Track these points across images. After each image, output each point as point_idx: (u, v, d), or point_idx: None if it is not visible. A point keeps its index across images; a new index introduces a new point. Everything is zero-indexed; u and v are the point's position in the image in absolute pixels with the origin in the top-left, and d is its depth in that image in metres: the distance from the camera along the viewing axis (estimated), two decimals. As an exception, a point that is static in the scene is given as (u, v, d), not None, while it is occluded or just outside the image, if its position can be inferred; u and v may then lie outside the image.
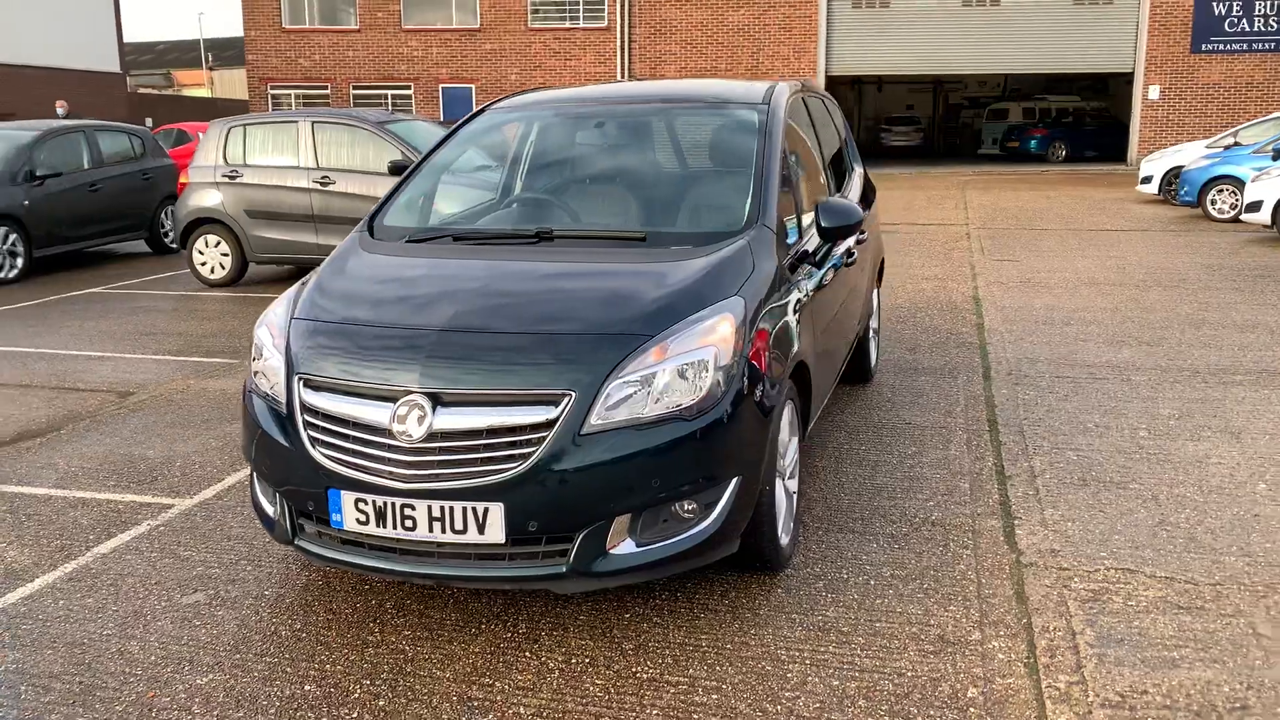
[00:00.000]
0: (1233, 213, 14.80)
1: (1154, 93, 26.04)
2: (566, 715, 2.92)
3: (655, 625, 3.42)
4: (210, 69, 71.75)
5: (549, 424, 3.10)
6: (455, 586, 3.62)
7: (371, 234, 4.23)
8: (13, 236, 11.08)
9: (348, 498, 3.21)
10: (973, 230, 14.30)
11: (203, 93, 68.03)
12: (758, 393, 3.40)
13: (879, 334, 6.72)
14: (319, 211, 10.06)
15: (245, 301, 9.80)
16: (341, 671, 3.17)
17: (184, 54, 75.10)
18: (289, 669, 3.19)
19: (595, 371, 3.16)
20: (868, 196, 6.07)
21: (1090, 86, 34.02)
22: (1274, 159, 13.86)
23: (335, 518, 3.25)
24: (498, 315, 3.38)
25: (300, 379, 3.37)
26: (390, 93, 28.28)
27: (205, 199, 10.49)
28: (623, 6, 26.91)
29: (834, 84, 32.54)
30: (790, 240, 4.15)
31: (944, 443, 5.20)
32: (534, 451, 3.08)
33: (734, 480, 3.32)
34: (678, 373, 3.22)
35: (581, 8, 27.34)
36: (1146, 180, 17.86)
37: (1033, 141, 29.88)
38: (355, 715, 2.94)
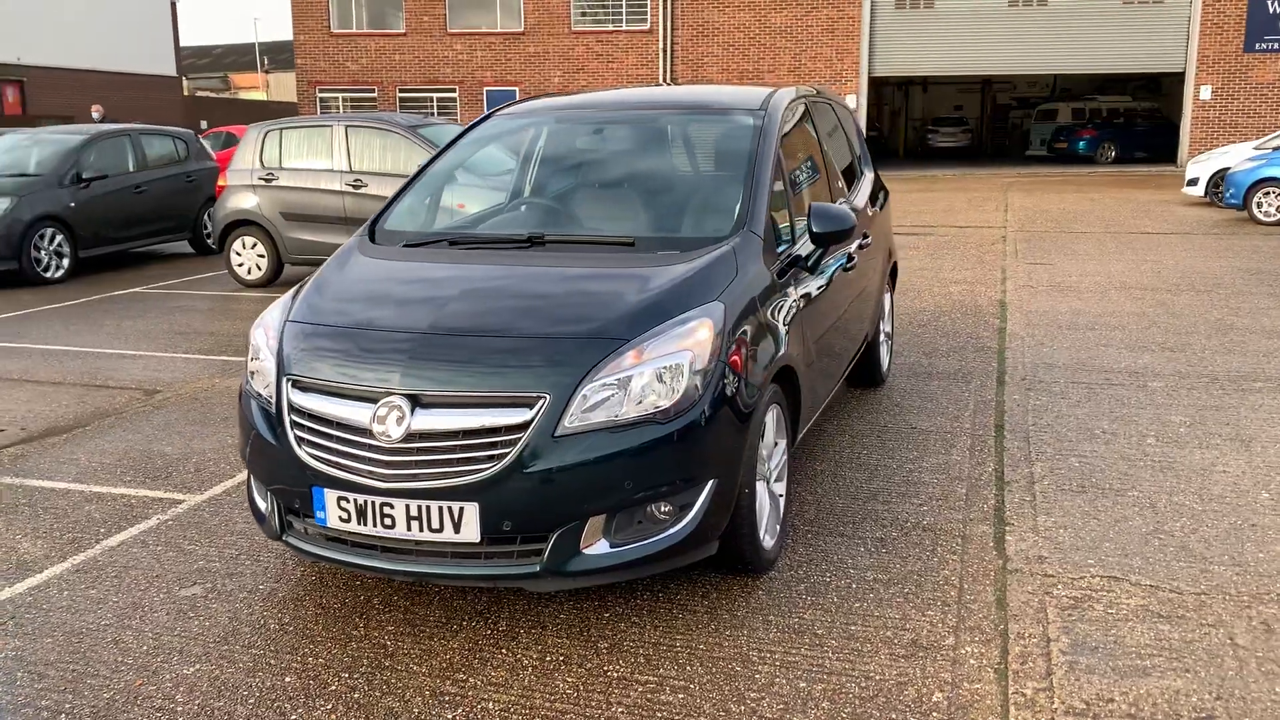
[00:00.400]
0: (1279, 215, 14.50)
1: (1205, 93, 25.56)
2: (534, 711, 2.99)
3: (633, 625, 3.47)
4: (266, 72, 73.04)
5: (523, 426, 3.17)
6: (435, 584, 3.70)
7: (374, 238, 4.34)
8: (59, 237, 11.41)
9: (330, 496, 3.30)
10: (1010, 233, 14.16)
11: (259, 96, 69.23)
12: (736, 396, 3.44)
13: (892, 338, 6.70)
14: (352, 214, 10.24)
15: (278, 302, 10.00)
16: (322, 664, 3.26)
17: (241, 57, 76.51)
18: (272, 661, 3.29)
19: (570, 375, 3.22)
20: (876, 201, 6.06)
21: (1144, 86, 33.45)
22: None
23: (319, 515, 3.35)
24: (479, 319, 3.46)
25: (289, 380, 3.48)
26: (435, 95, 28.61)
27: (242, 201, 10.72)
28: (665, 8, 26.98)
29: (878, 85, 32.37)
30: (783, 246, 4.19)
31: (947, 448, 5.19)
32: (508, 453, 3.15)
33: (710, 483, 3.36)
34: (654, 376, 3.28)
35: (624, 10, 27.46)
36: (1193, 182, 17.54)
37: (1081, 143, 29.46)
38: (330, 707, 3.03)
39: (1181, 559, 3.87)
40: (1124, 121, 30.19)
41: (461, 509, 3.17)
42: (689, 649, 3.31)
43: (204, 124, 39.68)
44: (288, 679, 3.18)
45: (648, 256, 3.81)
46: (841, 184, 5.43)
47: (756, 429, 3.57)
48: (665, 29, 27.09)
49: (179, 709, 3.03)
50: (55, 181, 11.48)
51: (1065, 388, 6.23)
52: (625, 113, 4.83)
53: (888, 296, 6.45)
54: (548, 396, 3.19)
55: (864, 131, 27.02)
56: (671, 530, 3.32)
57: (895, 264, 6.58)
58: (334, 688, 3.13)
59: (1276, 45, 25.04)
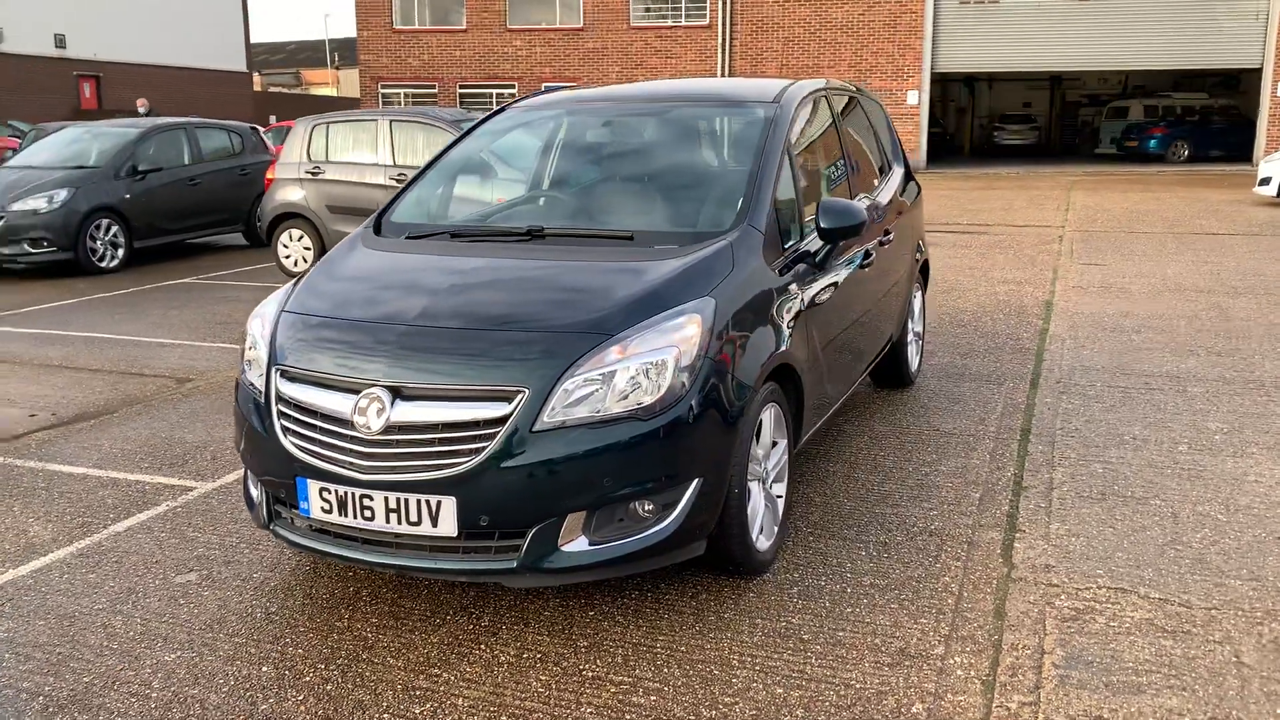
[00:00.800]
0: (1353, 217, 13.93)
1: (1283, 89, 24.68)
2: (501, 709, 2.95)
3: (616, 623, 3.42)
4: (336, 68, 74.26)
5: (501, 420, 3.13)
6: (417, 577, 3.68)
7: (380, 230, 4.33)
8: (114, 228, 11.68)
9: (313, 486, 3.30)
10: (1067, 232, 13.81)
11: (328, 91, 70.43)
12: (725, 394, 3.36)
13: (923, 338, 6.55)
14: (394, 207, 10.31)
15: (321, 294, 10.10)
16: (301, 655, 3.26)
17: (312, 54, 77.91)
18: (253, 650, 3.29)
19: (550, 369, 3.18)
20: (904, 198, 5.91)
21: (1221, 83, 32.41)
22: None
23: (303, 505, 3.34)
24: (466, 311, 3.43)
25: (278, 370, 3.48)
26: (495, 91, 28.79)
27: (289, 194, 10.87)
28: (724, 4, 26.81)
29: (943, 82, 31.85)
30: (790, 241, 4.10)
31: (967, 451, 5.05)
32: (485, 447, 3.12)
33: (695, 482, 3.30)
34: (639, 371, 3.22)
35: (684, 6, 27.36)
36: (1265, 182, 16.94)
37: (1152, 141, 28.62)
38: (301, 698, 3.03)
39: (1196, 571, 3.71)
40: (1198, 119, 29.28)
41: (439, 502, 3.14)
42: (669, 650, 3.25)
43: (272, 118, 40.49)
44: (264, 668, 3.18)
45: (644, 251, 3.75)
46: (866, 180, 5.31)
47: (749, 428, 3.49)
48: (724, 24, 26.93)
49: (153, 695, 3.05)
50: (111, 174, 11.75)
51: (1101, 391, 6.04)
52: (639, 105, 4.78)
53: (918, 296, 6.30)
54: (526, 391, 3.14)
55: (925, 125, 26.61)
56: (654, 529, 3.26)
57: (926, 262, 6.42)
58: (308, 679, 3.13)
59: (1359, 40, 24.10)
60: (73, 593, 3.72)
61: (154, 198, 12.12)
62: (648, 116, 4.68)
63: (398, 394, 3.21)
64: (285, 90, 66.36)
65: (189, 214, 12.66)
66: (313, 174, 10.78)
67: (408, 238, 4.18)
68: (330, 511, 3.29)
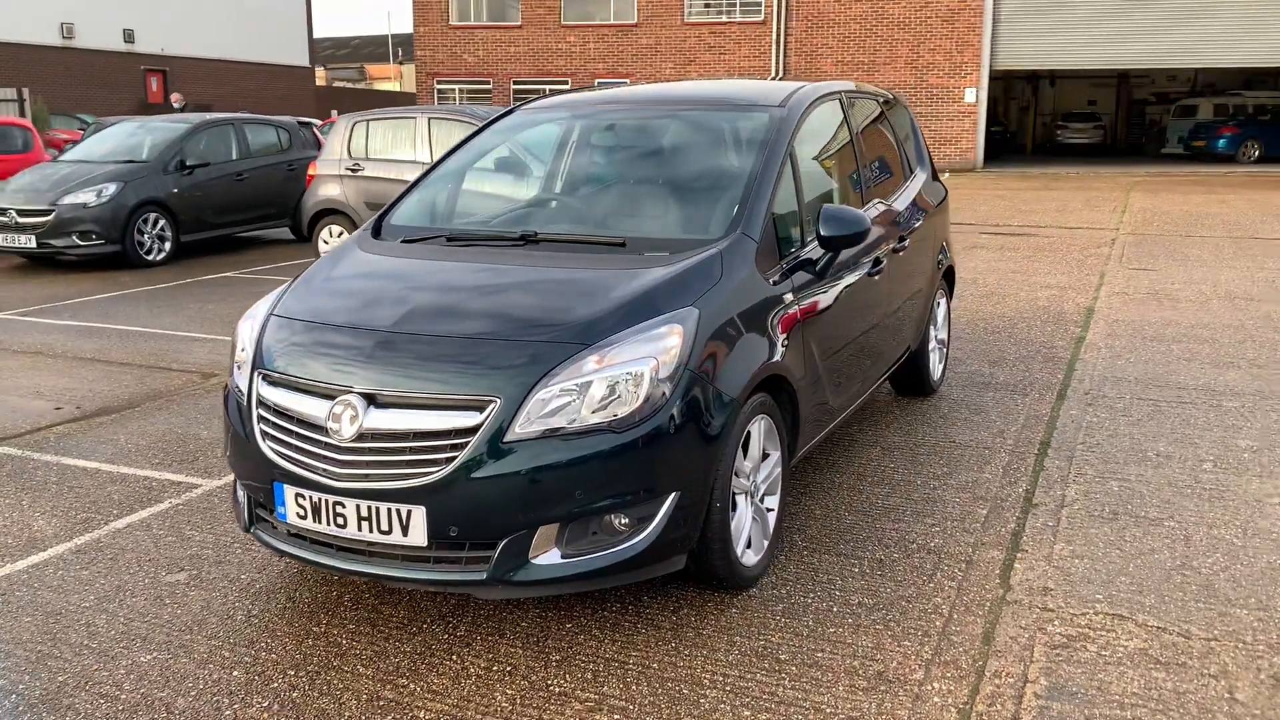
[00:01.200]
0: None
1: (1359, 89, 23.82)
2: (462, 723, 2.92)
3: (591, 637, 3.37)
4: (399, 63, 75.08)
5: (472, 430, 3.09)
6: (391, 585, 3.66)
7: (379, 233, 4.32)
8: (162, 222, 11.89)
9: (289, 491, 3.29)
10: (1120, 235, 13.46)
11: (392, 86, 71.21)
12: (706, 406, 3.29)
13: (947, 345, 6.40)
14: (431, 204, 10.35)
15: (357, 290, 10.18)
16: (272, 661, 3.26)
17: (376, 49, 78.88)
18: (227, 653, 3.30)
19: (524, 378, 3.14)
20: (926, 203, 5.77)
21: (1296, 81, 31.41)
22: None
23: (280, 510, 3.34)
24: (444, 318, 3.40)
25: (260, 373, 3.48)
26: (548, 88, 28.84)
27: (329, 190, 10.98)
28: (780, 0, 26.56)
29: (1004, 79, 31.26)
30: (790, 249, 4.01)
31: (981, 464, 4.92)
32: (456, 457, 3.08)
33: (673, 495, 3.23)
34: (615, 382, 3.16)
35: (739, 2, 27.16)
36: (1333, 185, 16.35)
37: (1221, 140, 27.80)
38: (266, 704, 3.02)
39: (1201, 599, 3.56)
40: (1271, 118, 28.40)
41: (409, 512, 3.12)
42: (641, 667, 3.19)
43: (334, 113, 41.01)
44: (235, 673, 3.19)
45: (633, 258, 3.69)
46: (883, 186, 5.19)
47: (734, 440, 3.42)
48: (779, 20, 26.68)
49: (123, 697, 3.06)
50: (160, 168, 11.96)
51: (1129, 404, 5.84)
52: (645, 108, 4.72)
53: (942, 303, 6.16)
54: (499, 400, 3.10)
55: (983, 123, 26.08)
56: (629, 543, 3.21)
57: (951, 268, 6.27)
58: (276, 685, 3.12)
59: None
60: (63, 589, 3.76)
61: (201, 192, 12.31)
62: (653, 119, 4.62)
63: (372, 401, 3.19)
64: (349, 85, 67.22)
65: (235, 208, 12.84)
66: (352, 170, 10.88)
67: (403, 241, 4.16)
68: (305, 518, 3.28)
